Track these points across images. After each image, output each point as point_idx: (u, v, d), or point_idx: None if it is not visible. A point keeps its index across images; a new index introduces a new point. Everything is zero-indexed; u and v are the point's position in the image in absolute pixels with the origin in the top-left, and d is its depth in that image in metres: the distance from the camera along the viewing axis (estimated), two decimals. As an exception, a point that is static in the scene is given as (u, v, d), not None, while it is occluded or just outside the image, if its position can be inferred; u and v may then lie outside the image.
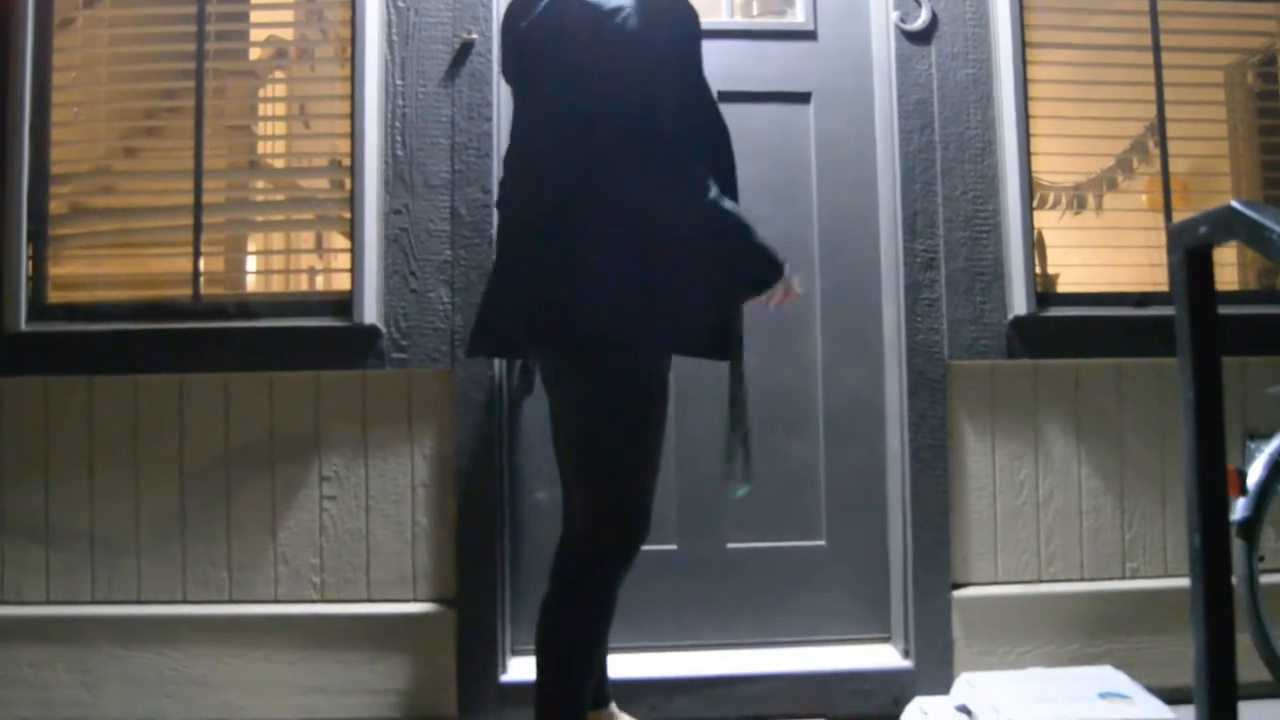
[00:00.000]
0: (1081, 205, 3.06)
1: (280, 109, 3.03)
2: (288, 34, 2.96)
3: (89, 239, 2.87)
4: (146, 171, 2.89)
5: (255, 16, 2.96)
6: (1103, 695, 2.39)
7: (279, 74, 3.04)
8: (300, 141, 2.99)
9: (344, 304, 2.73)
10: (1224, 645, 1.59)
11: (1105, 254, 3.01)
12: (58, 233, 2.81)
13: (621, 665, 2.63)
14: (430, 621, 2.67)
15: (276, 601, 2.69)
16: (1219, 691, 1.59)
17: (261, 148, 2.99)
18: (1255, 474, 2.50)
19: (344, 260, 2.78)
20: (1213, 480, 1.74)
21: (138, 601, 2.68)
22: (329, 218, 2.88)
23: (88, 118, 2.87)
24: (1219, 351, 1.68)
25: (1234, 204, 1.55)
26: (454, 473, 2.71)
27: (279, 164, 3.02)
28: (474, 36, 2.76)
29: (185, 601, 2.69)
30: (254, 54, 2.99)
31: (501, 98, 2.78)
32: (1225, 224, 1.58)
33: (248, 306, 2.78)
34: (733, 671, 2.70)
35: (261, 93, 3.00)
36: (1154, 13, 2.99)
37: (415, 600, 2.70)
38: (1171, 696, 2.46)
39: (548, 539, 2.85)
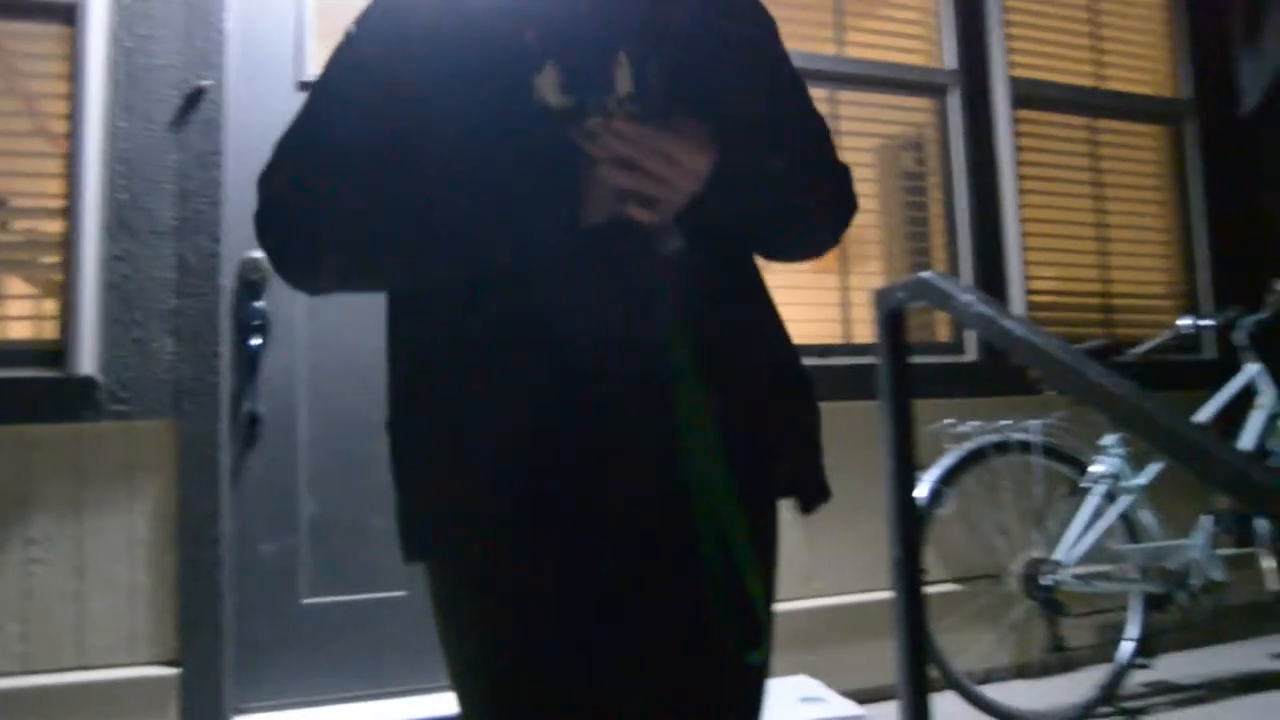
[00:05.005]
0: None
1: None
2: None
3: None
4: None
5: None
6: (803, 700, 2.73)
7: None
8: (12, 180, 2.74)
9: (57, 354, 2.57)
10: (920, 642, 1.94)
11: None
12: None
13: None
14: (152, 685, 2.54)
15: (-32, 677, 2.46)
16: (916, 684, 1.93)
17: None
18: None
19: (56, 307, 2.61)
20: (908, 501, 2.12)
21: None
22: (42, 262, 2.70)
23: None
24: (911, 394, 2.04)
25: (925, 275, 1.93)
26: (176, 528, 2.61)
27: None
28: (208, 83, 2.71)
29: None
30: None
31: (230, 147, 2.74)
32: (919, 291, 1.95)
33: (-56, 354, 2.54)
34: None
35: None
36: (827, 109, 3.48)
37: (135, 664, 2.56)
38: (858, 697, 2.84)
39: (274, 594, 2.81)
